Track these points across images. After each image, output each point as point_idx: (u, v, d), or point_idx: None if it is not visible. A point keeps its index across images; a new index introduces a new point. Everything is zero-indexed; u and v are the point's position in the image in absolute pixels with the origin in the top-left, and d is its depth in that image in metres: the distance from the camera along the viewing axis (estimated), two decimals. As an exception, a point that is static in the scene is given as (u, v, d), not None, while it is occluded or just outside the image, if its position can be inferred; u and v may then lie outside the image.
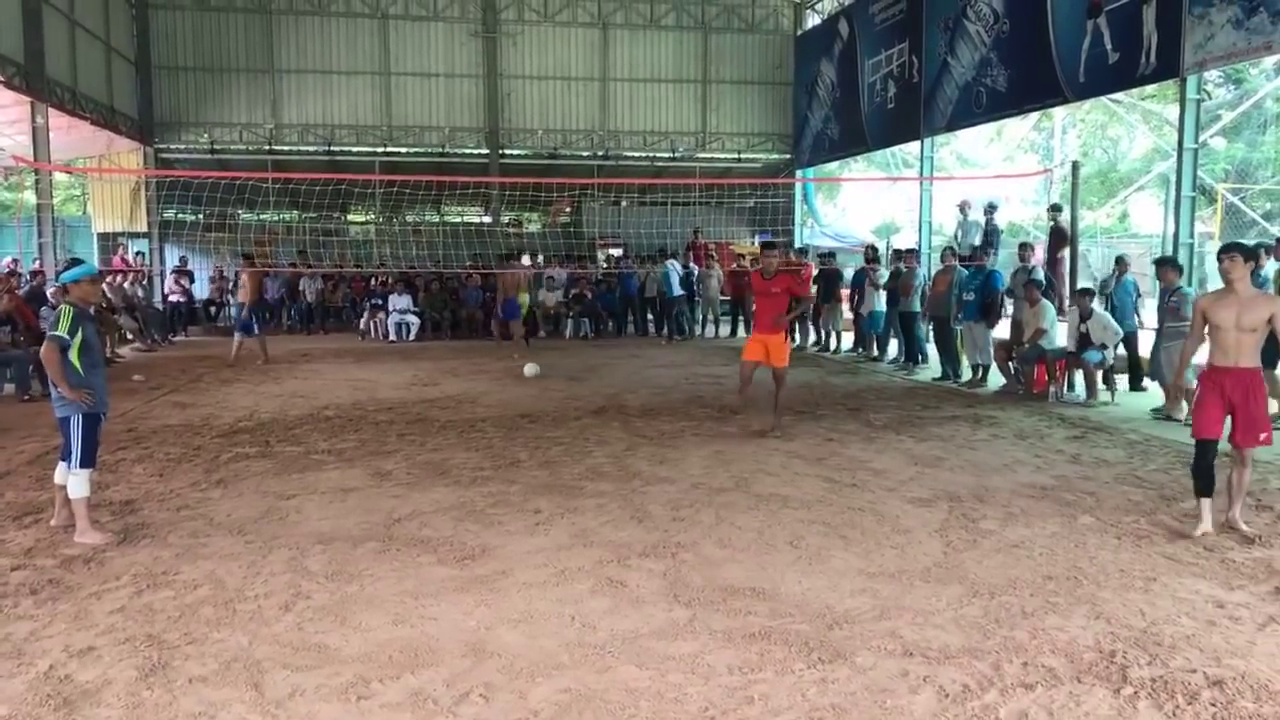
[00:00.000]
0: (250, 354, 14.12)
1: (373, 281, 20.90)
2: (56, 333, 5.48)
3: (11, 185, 25.46)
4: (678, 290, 18.20)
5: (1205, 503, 5.53)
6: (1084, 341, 10.38)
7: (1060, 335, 11.17)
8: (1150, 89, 18.57)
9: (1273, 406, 6.51)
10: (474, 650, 3.96)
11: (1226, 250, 5.58)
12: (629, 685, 3.64)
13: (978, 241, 14.58)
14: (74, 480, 5.51)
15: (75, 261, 6.09)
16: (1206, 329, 5.67)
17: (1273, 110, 22.36)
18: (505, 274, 16.34)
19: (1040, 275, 11.87)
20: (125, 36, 20.93)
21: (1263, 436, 5.53)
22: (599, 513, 6.03)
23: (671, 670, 3.76)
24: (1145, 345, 10.81)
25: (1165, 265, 10.09)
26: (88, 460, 5.56)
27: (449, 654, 3.92)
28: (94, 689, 3.62)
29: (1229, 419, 5.57)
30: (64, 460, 5.65)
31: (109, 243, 21.65)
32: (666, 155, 24.61)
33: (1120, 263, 11.74)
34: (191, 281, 20.81)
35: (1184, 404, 5.80)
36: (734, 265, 20.21)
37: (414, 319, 18.61)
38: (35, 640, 4.07)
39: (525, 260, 20.83)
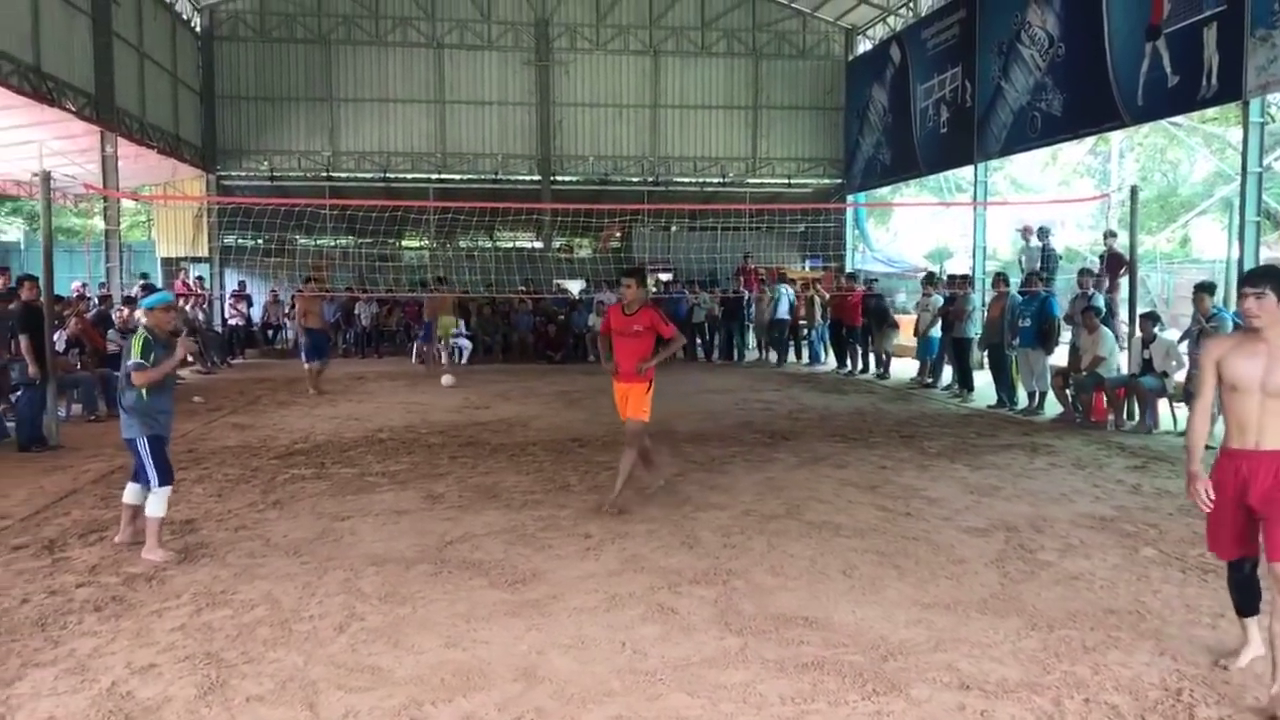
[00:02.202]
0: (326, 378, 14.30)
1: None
2: (136, 360, 5.65)
3: (81, 212, 26.31)
4: (784, 314, 18.09)
5: (1249, 623, 4.02)
6: (1148, 367, 10.16)
7: (1122, 362, 10.95)
8: (1211, 111, 18.20)
9: None
10: (525, 675, 3.96)
11: (1254, 281, 3.69)
12: (680, 713, 3.62)
13: (1037, 267, 14.38)
14: (154, 499, 5.66)
15: (149, 289, 6.30)
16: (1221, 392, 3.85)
17: (1340, 133, 21.76)
18: (429, 299, 16.83)
19: (1100, 302, 11.65)
20: (191, 68, 21.61)
21: None
22: (649, 538, 6.02)
23: (723, 699, 3.73)
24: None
25: (1200, 291, 9.76)
26: (166, 478, 5.72)
27: (500, 678, 3.93)
28: (154, 706, 3.69)
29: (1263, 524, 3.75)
30: (135, 481, 5.82)
31: (172, 267, 22.24)
32: (717, 180, 24.69)
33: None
34: (250, 306, 21.27)
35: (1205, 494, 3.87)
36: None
37: (466, 342, 18.81)
38: (99, 656, 4.16)
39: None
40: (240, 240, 23.16)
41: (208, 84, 22.36)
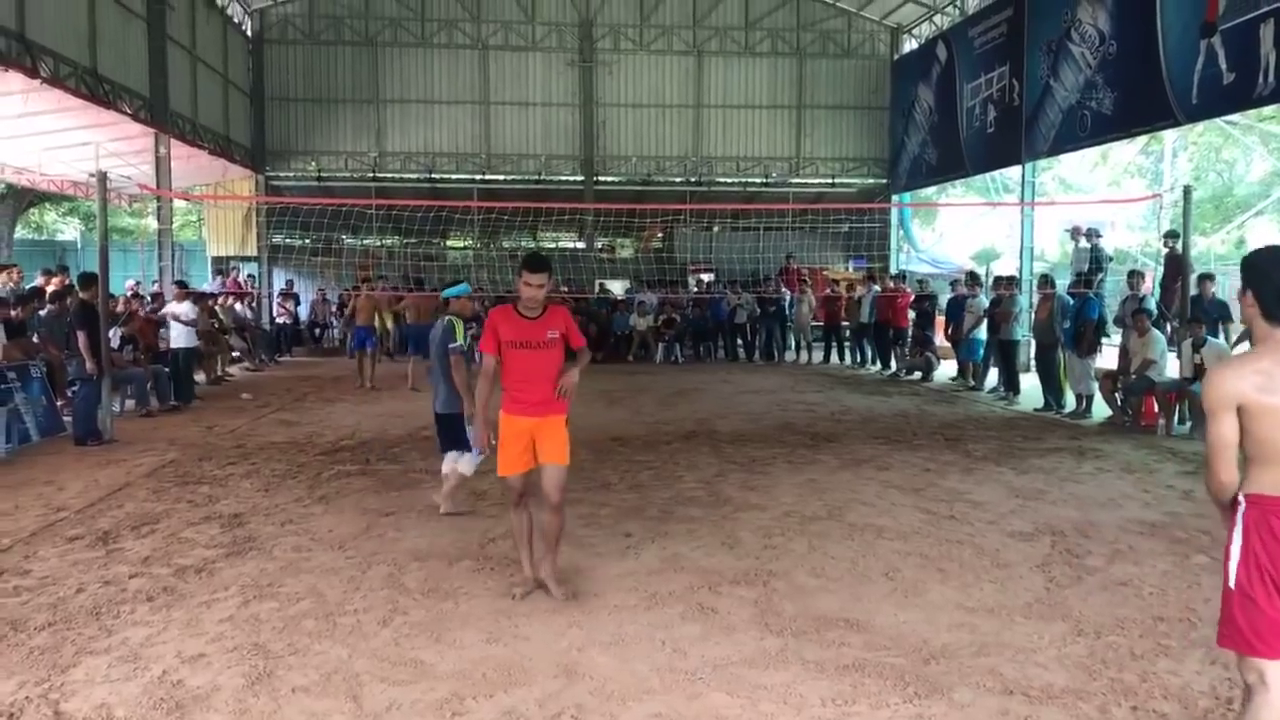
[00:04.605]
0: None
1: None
2: (458, 344, 6.28)
3: (135, 211, 26.87)
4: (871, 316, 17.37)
5: None
6: (1200, 372, 9.96)
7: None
8: (1269, 109, 17.77)
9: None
10: (566, 671, 3.98)
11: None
12: (719, 713, 3.61)
13: (1085, 269, 14.14)
14: (469, 460, 6.50)
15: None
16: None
17: (1404, 131, 21.16)
18: (359, 300, 15.33)
19: (1151, 304, 11.42)
20: (241, 70, 21.99)
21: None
22: (689, 538, 6.02)
23: (763, 699, 3.72)
24: None
25: None
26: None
27: (541, 674, 3.95)
28: (204, 694, 3.76)
29: None
30: (450, 451, 6.59)
31: (222, 266, 22.67)
32: (760, 180, 24.60)
33: None
34: (297, 304, 21.58)
35: None
36: (828, 291, 20.03)
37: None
38: (150, 645, 4.26)
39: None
40: (288, 240, 23.53)
41: (257, 86, 22.74)
